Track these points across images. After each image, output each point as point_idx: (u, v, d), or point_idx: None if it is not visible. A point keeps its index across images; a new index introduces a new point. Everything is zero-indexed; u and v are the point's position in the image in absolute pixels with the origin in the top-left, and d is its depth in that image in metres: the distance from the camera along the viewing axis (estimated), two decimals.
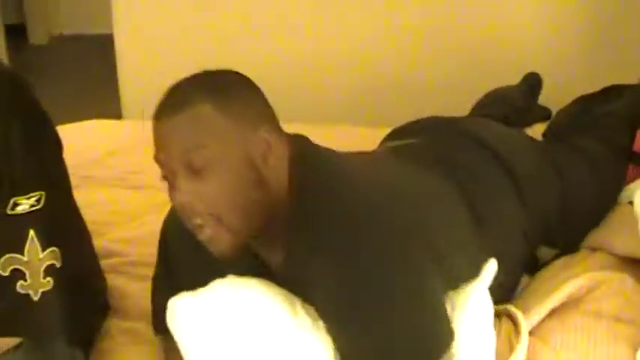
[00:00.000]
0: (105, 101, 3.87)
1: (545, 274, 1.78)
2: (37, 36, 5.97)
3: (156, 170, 2.41)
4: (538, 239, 1.78)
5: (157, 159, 1.41)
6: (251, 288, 1.42)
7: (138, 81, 3.54)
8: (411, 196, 1.51)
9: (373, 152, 1.87)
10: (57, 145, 1.55)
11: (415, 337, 1.34)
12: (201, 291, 1.42)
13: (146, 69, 3.51)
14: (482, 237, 1.59)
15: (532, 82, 2.64)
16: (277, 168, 1.41)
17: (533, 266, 1.80)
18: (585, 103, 2.24)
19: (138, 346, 1.70)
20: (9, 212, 1.41)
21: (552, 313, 1.63)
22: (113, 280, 1.88)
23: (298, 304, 1.42)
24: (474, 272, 1.53)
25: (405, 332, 1.33)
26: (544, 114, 2.55)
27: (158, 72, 3.45)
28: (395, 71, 3.29)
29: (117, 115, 3.57)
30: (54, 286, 1.46)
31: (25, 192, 1.42)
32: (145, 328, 1.72)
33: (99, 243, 1.85)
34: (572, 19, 3.14)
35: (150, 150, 2.53)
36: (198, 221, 1.39)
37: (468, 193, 1.63)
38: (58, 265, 1.46)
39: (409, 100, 3.13)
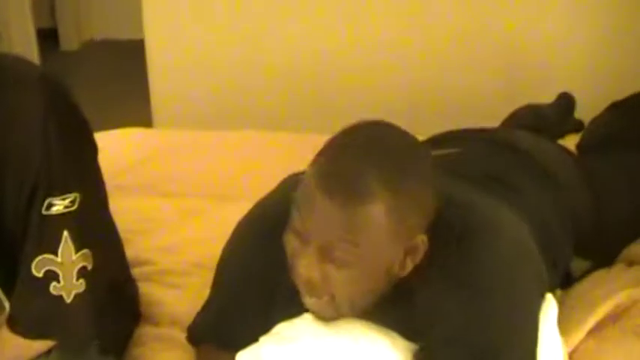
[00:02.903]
0: (136, 108, 3.87)
1: (580, 288, 1.77)
2: (68, 42, 5.98)
3: (185, 178, 2.46)
4: (571, 247, 1.75)
5: (296, 223, 1.33)
6: (340, 330, 1.42)
7: (169, 88, 3.54)
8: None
9: None
10: (93, 148, 1.55)
11: None
12: (291, 335, 1.42)
13: (178, 75, 3.51)
14: None
15: (565, 101, 2.63)
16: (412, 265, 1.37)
17: (566, 280, 1.78)
18: (618, 110, 2.22)
19: (170, 352, 1.71)
20: (44, 213, 1.41)
21: (589, 331, 1.62)
22: (144, 288, 1.89)
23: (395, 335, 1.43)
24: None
25: None
26: (576, 126, 2.53)
27: (190, 79, 3.48)
28: (421, 79, 3.28)
29: (147, 121, 3.57)
30: (86, 289, 1.45)
31: (60, 193, 1.41)
32: (177, 334, 1.73)
33: (130, 251, 1.84)
34: (608, 32, 3.11)
35: (182, 158, 2.58)
36: (316, 299, 1.37)
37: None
38: (89, 267, 1.46)
39: (438, 109, 3.13)
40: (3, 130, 1.37)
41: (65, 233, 1.43)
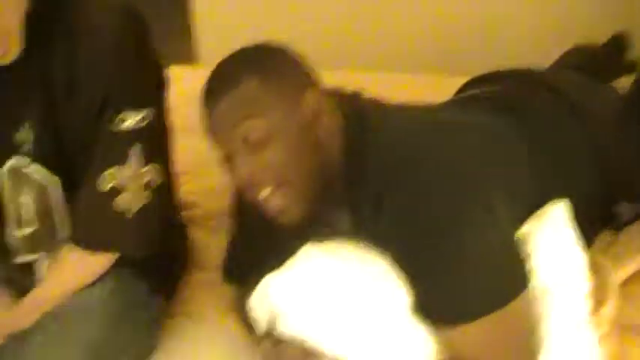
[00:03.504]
0: (179, 47, 3.85)
1: (635, 229, 1.75)
2: None
3: None
4: (616, 192, 1.73)
5: (213, 142, 1.45)
6: (342, 251, 1.44)
7: (213, 26, 3.52)
8: (467, 138, 1.50)
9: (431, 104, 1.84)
10: (164, 81, 1.57)
11: (488, 285, 1.34)
12: (291, 265, 1.44)
13: (221, 14, 3.48)
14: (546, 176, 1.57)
15: (617, 42, 2.54)
16: (330, 129, 1.44)
17: (615, 223, 1.76)
18: None
19: (215, 297, 1.72)
20: (115, 126, 1.43)
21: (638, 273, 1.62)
22: (191, 232, 1.90)
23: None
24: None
25: (477, 281, 1.33)
26: (629, 67, 2.44)
27: (233, 17, 3.44)
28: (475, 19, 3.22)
29: (191, 60, 3.56)
30: (151, 202, 1.48)
31: (133, 107, 1.44)
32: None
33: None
34: None
35: None
36: (266, 192, 1.41)
37: (531, 133, 1.61)
38: (159, 181, 1.49)
39: (490, 50, 3.07)
40: (77, 48, 1.40)
41: (135, 146, 1.46)
